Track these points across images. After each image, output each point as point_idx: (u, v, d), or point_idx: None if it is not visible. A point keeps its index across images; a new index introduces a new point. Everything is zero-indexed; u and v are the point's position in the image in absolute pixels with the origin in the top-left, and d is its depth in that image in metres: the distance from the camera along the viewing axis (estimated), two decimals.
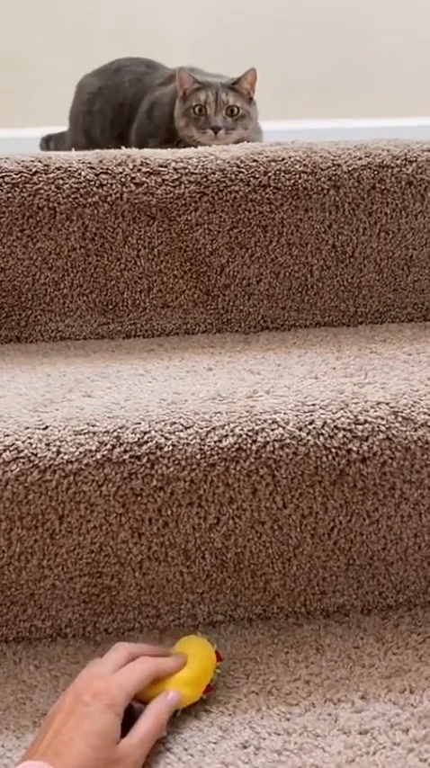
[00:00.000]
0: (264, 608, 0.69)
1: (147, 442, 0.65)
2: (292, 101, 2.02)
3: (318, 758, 0.55)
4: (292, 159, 0.90)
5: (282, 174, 0.90)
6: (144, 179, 0.89)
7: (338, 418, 0.66)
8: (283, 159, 0.90)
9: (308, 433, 0.65)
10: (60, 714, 0.53)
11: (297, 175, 0.90)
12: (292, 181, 0.90)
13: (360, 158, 0.90)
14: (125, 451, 0.65)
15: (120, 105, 1.45)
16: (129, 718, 0.55)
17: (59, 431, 0.66)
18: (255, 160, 0.90)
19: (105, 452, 0.65)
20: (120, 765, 0.52)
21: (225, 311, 0.93)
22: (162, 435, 0.65)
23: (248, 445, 0.65)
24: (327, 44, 2.06)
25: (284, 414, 0.66)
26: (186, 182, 0.89)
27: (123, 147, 0.94)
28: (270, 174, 0.89)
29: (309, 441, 0.65)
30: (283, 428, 0.65)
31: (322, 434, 0.65)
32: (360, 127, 1.94)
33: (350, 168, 0.90)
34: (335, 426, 0.66)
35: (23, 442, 0.65)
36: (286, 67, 2.03)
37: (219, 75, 1.43)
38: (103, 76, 1.52)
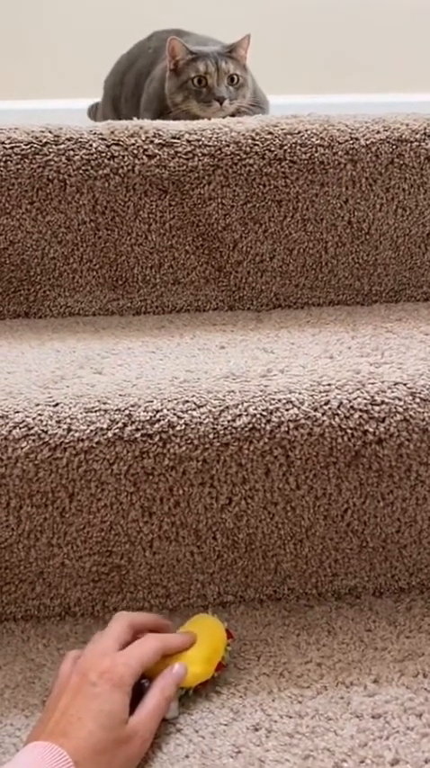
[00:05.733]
0: (275, 589, 0.69)
1: (159, 420, 0.64)
2: (307, 75, 1.99)
3: (331, 742, 0.54)
4: (309, 132, 0.88)
5: (298, 147, 0.87)
6: (156, 151, 0.87)
7: (355, 398, 0.65)
8: (300, 132, 0.88)
9: (323, 414, 0.64)
10: (67, 693, 0.52)
11: (313, 149, 0.87)
12: (309, 154, 0.87)
13: (378, 132, 0.88)
14: (137, 430, 0.63)
15: (139, 74, 1.41)
16: (138, 694, 0.55)
17: (70, 408, 0.65)
18: (270, 133, 0.88)
19: (117, 430, 0.63)
20: (129, 743, 0.51)
21: (237, 288, 0.92)
22: (174, 414, 0.64)
23: (262, 425, 0.64)
24: (342, 16, 2.02)
25: (299, 393, 0.65)
26: (200, 154, 0.87)
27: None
28: (286, 148, 0.87)
29: (324, 421, 0.64)
30: (298, 408, 0.64)
31: (338, 415, 0.64)
32: (376, 102, 1.90)
33: (368, 142, 0.87)
34: (352, 407, 0.64)
35: (34, 419, 0.64)
36: (300, 40, 1.99)
37: (207, 37, 1.38)
38: (137, 46, 1.48)
